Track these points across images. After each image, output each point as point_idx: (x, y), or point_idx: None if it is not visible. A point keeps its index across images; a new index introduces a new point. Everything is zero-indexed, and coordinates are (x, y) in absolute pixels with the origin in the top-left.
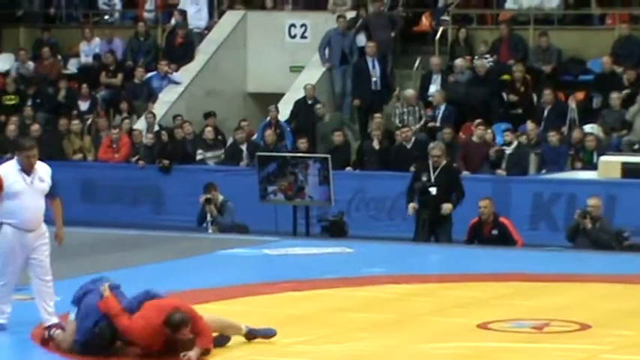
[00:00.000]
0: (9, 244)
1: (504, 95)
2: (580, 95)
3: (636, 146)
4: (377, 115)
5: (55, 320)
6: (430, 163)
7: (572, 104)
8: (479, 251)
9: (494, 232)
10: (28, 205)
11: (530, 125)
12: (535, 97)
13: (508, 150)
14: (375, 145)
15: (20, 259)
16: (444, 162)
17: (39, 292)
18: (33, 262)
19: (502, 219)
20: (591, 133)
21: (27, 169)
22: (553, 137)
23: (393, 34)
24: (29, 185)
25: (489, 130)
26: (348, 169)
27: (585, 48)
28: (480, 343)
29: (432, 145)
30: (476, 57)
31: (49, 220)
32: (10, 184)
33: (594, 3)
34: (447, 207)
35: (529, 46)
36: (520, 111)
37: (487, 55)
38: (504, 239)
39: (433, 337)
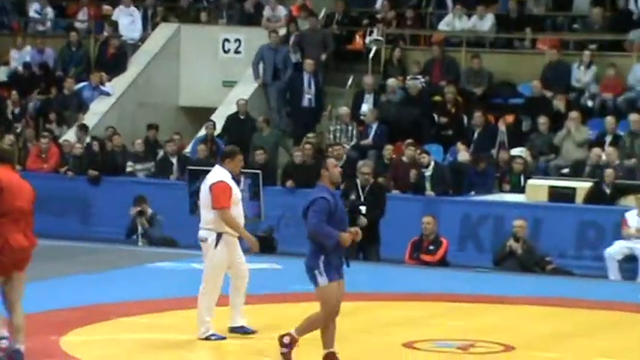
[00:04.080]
0: None
1: (435, 116)
2: (510, 118)
3: (564, 170)
4: (310, 134)
5: None
6: (359, 181)
7: (501, 127)
8: (407, 270)
9: (431, 247)
10: None
11: (460, 147)
12: (465, 119)
13: (427, 172)
14: (299, 161)
15: None
16: (372, 180)
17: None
18: None
19: (442, 238)
20: (519, 156)
21: None
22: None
23: (324, 56)
24: None
25: (419, 151)
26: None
27: (516, 72)
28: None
29: (361, 163)
30: (408, 77)
31: None
32: None
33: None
34: (362, 220)
35: (461, 68)
36: (450, 132)
37: (419, 76)
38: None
39: (358, 356)
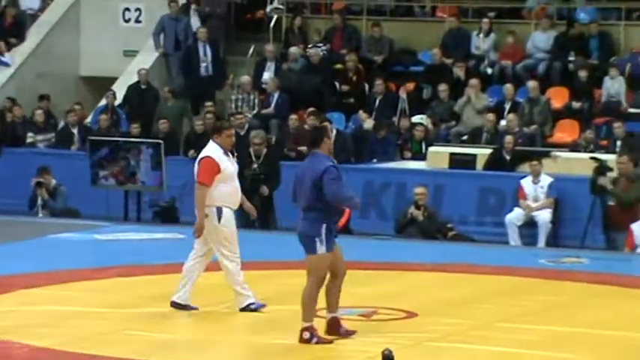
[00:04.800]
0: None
1: (337, 84)
2: (410, 86)
3: (464, 137)
4: (208, 103)
5: None
6: (252, 150)
7: (402, 94)
8: None
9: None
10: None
11: (362, 115)
12: (367, 87)
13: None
14: (200, 130)
15: None
16: (264, 150)
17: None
18: None
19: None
20: (420, 124)
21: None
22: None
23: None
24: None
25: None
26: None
27: (416, 39)
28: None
29: (253, 133)
30: (309, 46)
31: None
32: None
33: None
34: (264, 189)
35: (362, 36)
36: (352, 100)
37: (320, 44)
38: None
39: (257, 327)
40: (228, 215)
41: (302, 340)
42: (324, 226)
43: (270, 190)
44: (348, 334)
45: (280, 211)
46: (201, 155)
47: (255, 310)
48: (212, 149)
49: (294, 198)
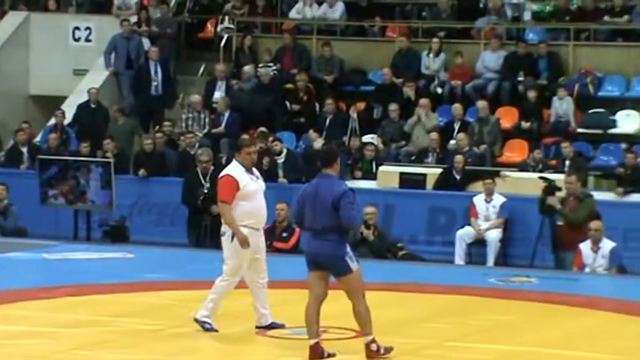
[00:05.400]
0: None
1: (287, 104)
2: (361, 105)
3: (414, 157)
4: (166, 122)
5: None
6: (199, 170)
7: (353, 114)
8: None
9: (284, 234)
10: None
11: (312, 134)
12: (317, 107)
13: (280, 159)
14: (149, 149)
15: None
16: (211, 168)
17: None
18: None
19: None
20: (371, 143)
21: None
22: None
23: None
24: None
25: (271, 139)
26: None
27: (367, 59)
28: (256, 348)
29: (199, 151)
30: (260, 65)
31: None
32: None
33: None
34: (214, 208)
35: (312, 55)
36: (303, 120)
37: (271, 64)
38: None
39: (211, 345)
40: (247, 234)
41: (372, 354)
42: (347, 245)
43: None
44: (330, 356)
45: None
46: (221, 174)
47: (207, 329)
48: (233, 167)
49: (298, 218)
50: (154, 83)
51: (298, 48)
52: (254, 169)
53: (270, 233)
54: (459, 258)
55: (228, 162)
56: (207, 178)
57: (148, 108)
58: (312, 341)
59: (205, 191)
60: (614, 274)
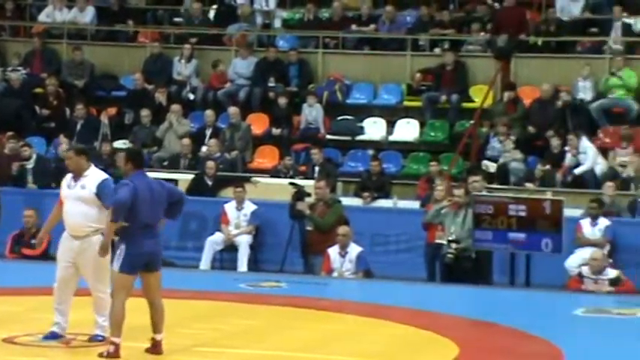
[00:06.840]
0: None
1: (37, 108)
2: (112, 110)
3: (166, 163)
4: None
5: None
6: None
7: (104, 119)
8: (9, 265)
9: (33, 241)
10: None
11: (63, 139)
12: (68, 111)
13: (29, 164)
14: None
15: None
16: None
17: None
18: None
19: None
20: (122, 148)
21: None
22: None
23: None
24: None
25: (20, 143)
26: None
27: (118, 64)
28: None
29: None
30: (9, 69)
31: None
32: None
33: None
34: None
35: (62, 59)
36: (53, 124)
37: (20, 68)
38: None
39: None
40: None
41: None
42: None
43: None
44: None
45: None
46: None
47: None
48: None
49: (126, 216)
50: None
51: (48, 52)
52: (82, 177)
53: (18, 240)
54: (205, 264)
55: None
56: None
57: None
58: (118, 340)
59: None
60: (360, 278)
